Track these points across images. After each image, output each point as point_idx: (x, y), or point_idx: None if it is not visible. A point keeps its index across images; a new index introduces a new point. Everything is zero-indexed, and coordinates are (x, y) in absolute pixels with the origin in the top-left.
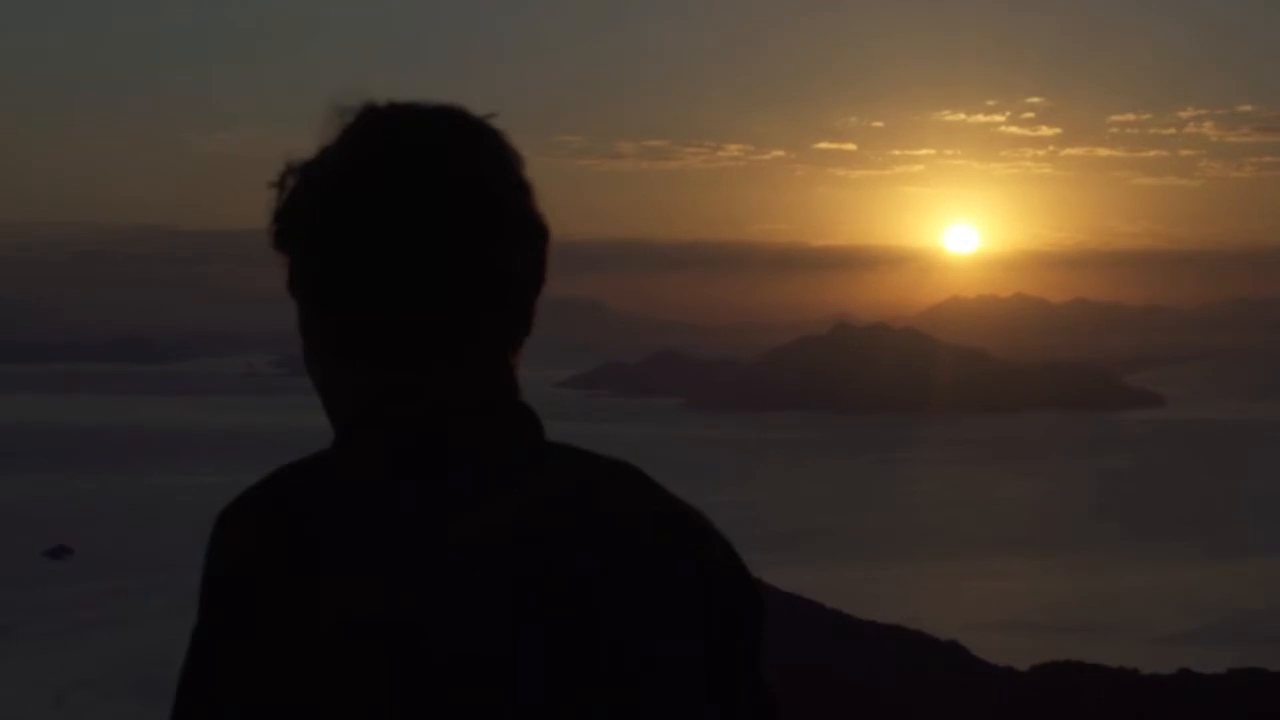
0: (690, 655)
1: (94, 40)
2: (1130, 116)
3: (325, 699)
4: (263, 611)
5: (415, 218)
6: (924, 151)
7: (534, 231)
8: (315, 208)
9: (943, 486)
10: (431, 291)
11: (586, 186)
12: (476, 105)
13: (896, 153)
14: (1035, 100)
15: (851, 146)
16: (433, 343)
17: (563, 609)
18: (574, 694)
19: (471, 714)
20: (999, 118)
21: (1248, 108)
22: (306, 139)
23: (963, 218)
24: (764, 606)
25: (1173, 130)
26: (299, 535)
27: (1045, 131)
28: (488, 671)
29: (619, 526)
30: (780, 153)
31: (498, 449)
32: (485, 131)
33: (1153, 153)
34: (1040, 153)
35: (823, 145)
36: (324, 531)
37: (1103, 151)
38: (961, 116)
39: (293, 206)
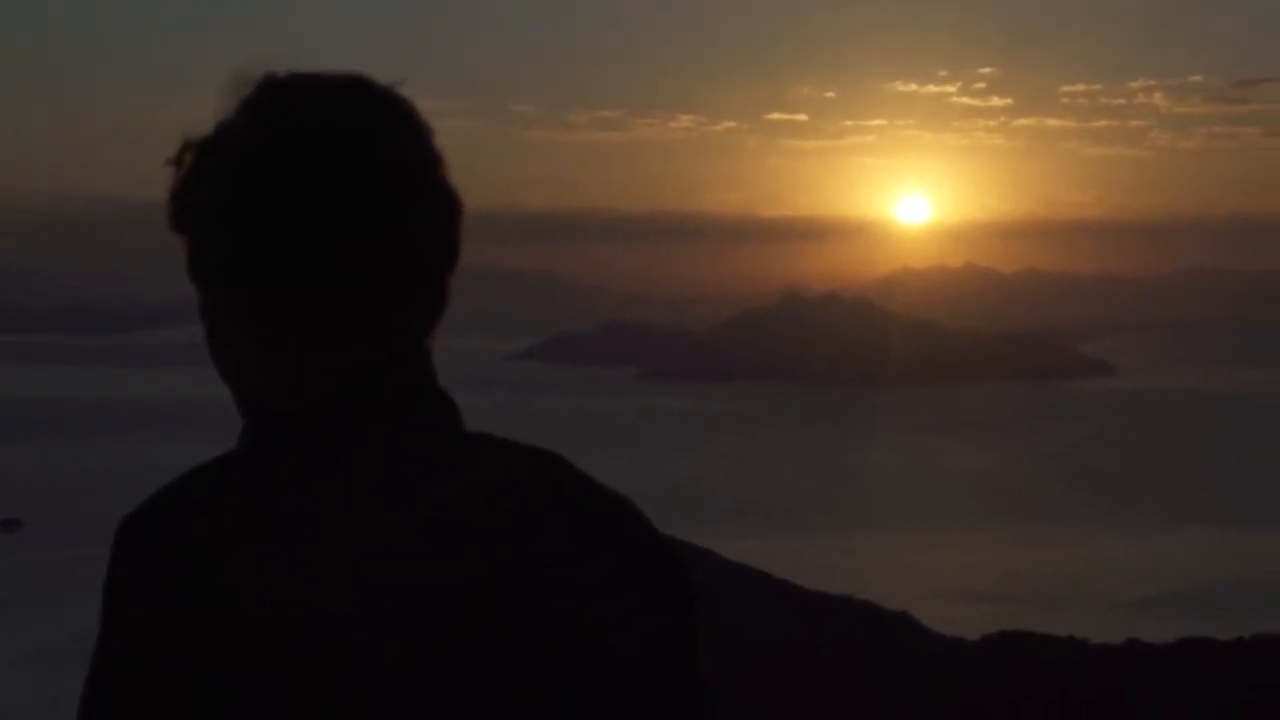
0: (651, 647)
1: (73, 12)
2: (1081, 87)
3: (262, 705)
4: (181, 622)
5: (324, 194)
6: (876, 122)
7: (447, 205)
8: (218, 186)
9: (894, 457)
10: (344, 271)
11: (539, 157)
12: (431, 75)
13: (848, 123)
14: (987, 71)
15: (803, 117)
16: (347, 325)
17: (509, 602)
18: (525, 688)
19: (415, 709)
20: (951, 88)
21: (1197, 78)
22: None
23: (914, 188)
24: (696, 599)
25: (1123, 101)
26: (215, 537)
27: (996, 102)
28: (431, 665)
29: (548, 512)
30: (732, 123)
31: (419, 438)
32: (393, 101)
33: (1103, 123)
34: (992, 123)
35: (775, 116)
36: (242, 531)
37: (1053, 122)
38: (913, 87)
39: (193, 185)
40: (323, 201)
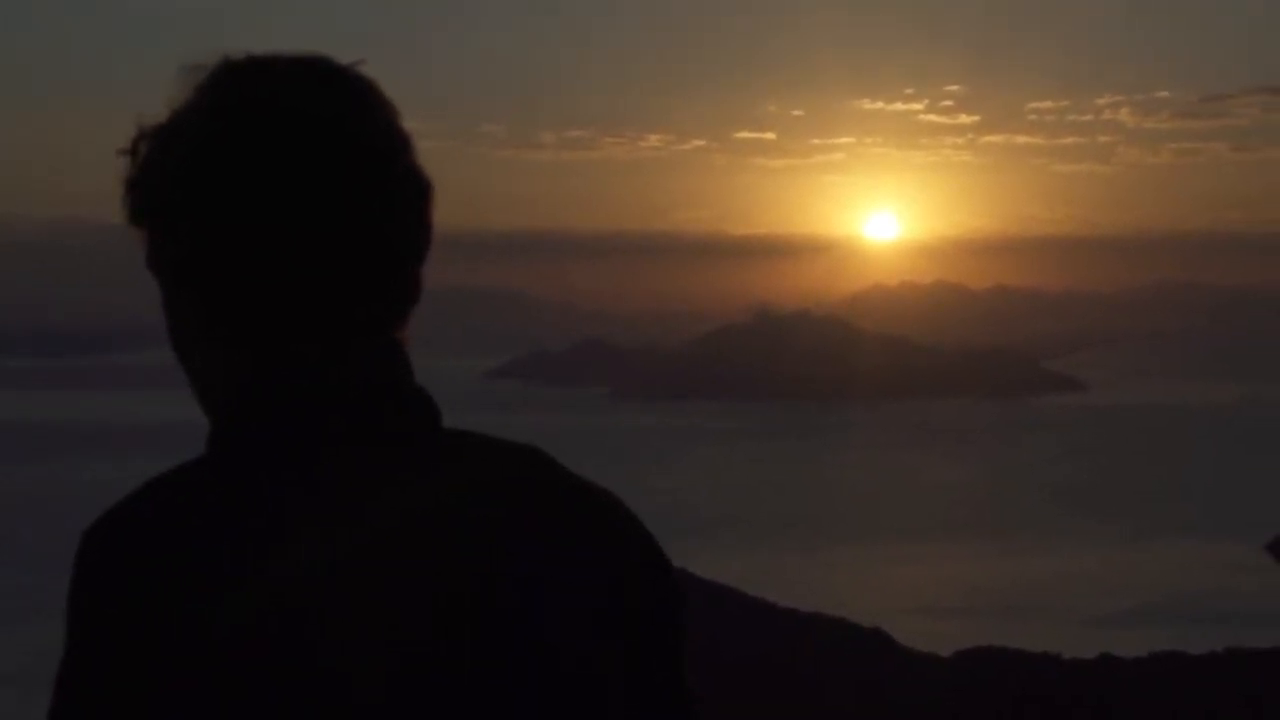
0: (605, 652)
1: (36, 28)
2: (1048, 103)
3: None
4: (144, 639)
5: (284, 180)
6: (844, 140)
7: (416, 188)
8: (175, 175)
9: (865, 473)
10: (308, 260)
11: (509, 177)
12: (399, 95)
13: (816, 141)
14: (954, 88)
15: (771, 135)
16: (313, 317)
17: (486, 618)
18: (485, 693)
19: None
20: (918, 105)
21: (1164, 94)
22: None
23: (883, 205)
24: (683, 601)
25: (1090, 117)
26: (178, 551)
27: (964, 119)
28: (402, 687)
29: (532, 517)
30: (701, 142)
31: (392, 440)
32: (355, 81)
33: (1071, 139)
34: (959, 140)
35: (743, 134)
36: (206, 544)
37: (1021, 139)
38: (881, 105)
39: (150, 175)
40: (283, 187)
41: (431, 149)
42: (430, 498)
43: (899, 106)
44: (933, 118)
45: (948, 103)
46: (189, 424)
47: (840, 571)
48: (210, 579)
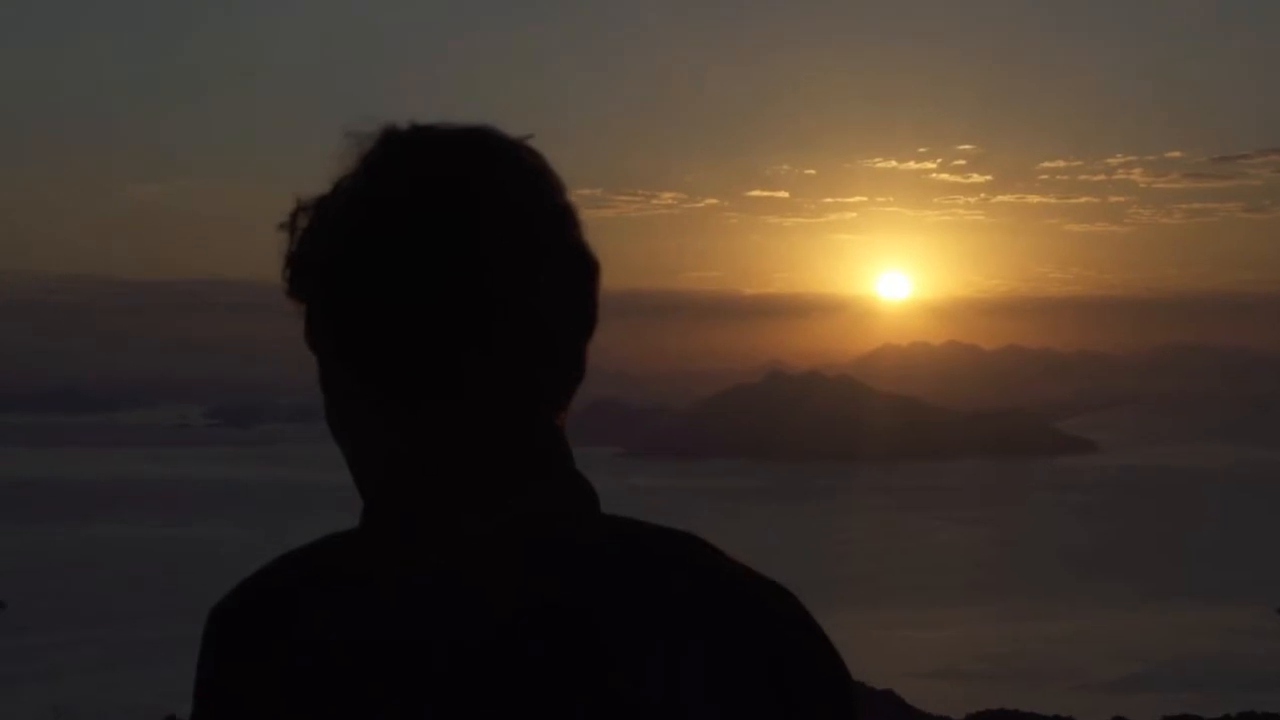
0: None
1: (32, 88)
2: (1060, 163)
3: None
4: (271, 706)
5: (442, 256)
6: (856, 199)
7: (578, 266)
8: (331, 249)
9: (876, 534)
10: (467, 339)
11: None
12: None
13: (829, 200)
14: (966, 147)
15: (784, 194)
16: (469, 398)
17: (611, 696)
18: None
19: None
20: (930, 165)
21: (1177, 154)
22: (247, 188)
23: (895, 265)
24: (852, 711)
25: (1103, 177)
26: (303, 628)
27: (976, 179)
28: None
29: (683, 607)
30: (713, 200)
31: (547, 525)
32: (518, 154)
33: (1083, 199)
34: (971, 200)
35: (755, 193)
36: (330, 621)
37: (1033, 198)
38: (893, 164)
39: (309, 249)
40: (440, 264)
41: None
42: (573, 585)
43: (911, 166)
44: (945, 177)
45: (960, 162)
46: (193, 482)
47: (851, 633)
48: (332, 654)
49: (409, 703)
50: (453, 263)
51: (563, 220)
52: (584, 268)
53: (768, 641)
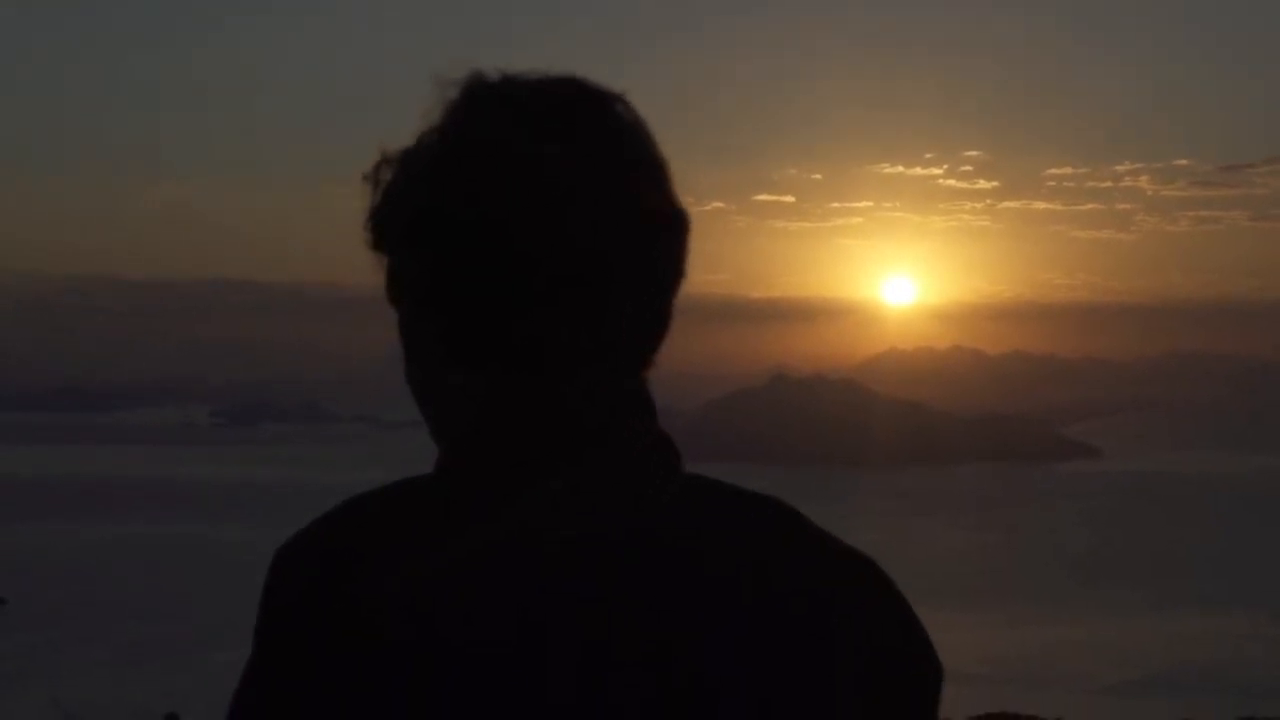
0: None
1: (41, 89)
2: (1067, 170)
3: None
4: (326, 656)
5: (523, 209)
6: (862, 204)
7: (666, 219)
8: (415, 202)
9: (879, 538)
10: (544, 291)
11: None
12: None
13: (835, 205)
14: (973, 153)
15: (790, 198)
16: (547, 350)
17: (635, 666)
18: None
19: None
20: (937, 170)
21: (1183, 162)
22: (253, 189)
23: (900, 270)
24: (940, 682)
25: (1109, 184)
26: (365, 570)
27: (983, 184)
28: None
29: (760, 583)
30: (720, 204)
31: (627, 481)
32: (606, 106)
33: (1089, 206)
34: (978, 205)
35: (762, 197)
36: (389, 565)
37: (1040, 205)
38: (900, 169)
39: (390, 202)
40: (521, 217)
41: None
42: (664, 539)
43: (918, 171)
44: (952, 182)
45: (967, 168)
46: (198, 482)
47: None
48: (390, 598)
49: (469, 672)
50: (540, 217)
51: (653, 175)
52: (674, 223)
53: (848, 624)
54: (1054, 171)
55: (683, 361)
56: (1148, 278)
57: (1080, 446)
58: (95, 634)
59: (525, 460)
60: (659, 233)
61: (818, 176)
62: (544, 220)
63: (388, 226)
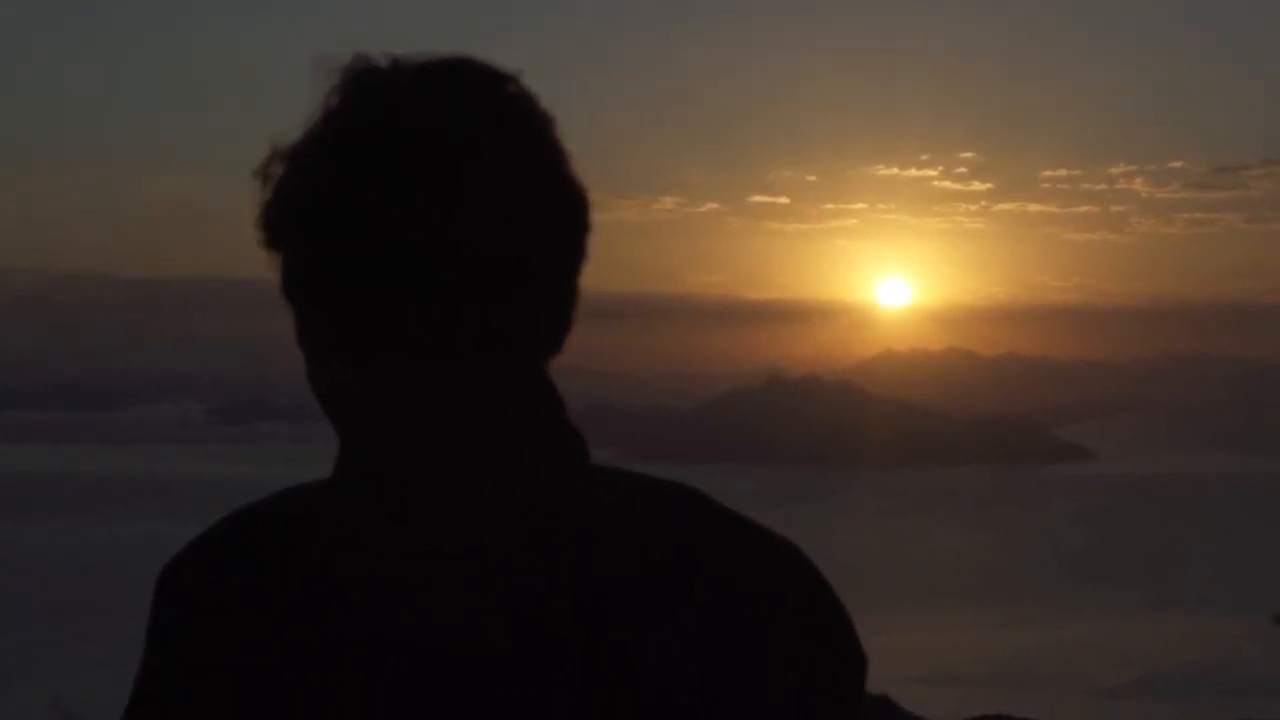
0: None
1: (41, 89)
2: (1062, 172)
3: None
4: (219, 668)
5: (416, 197)
6: (857, 205)
7: (567, 200)
8: (304, 195)
9: (873, 539)
10: (442, 279)
11: None
12: None
13: (830, 206)
14: (968, 155)
15: (785, 200)
16: (446, 342)
17: (572, 644)
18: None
19: None
20: (932, 172)
21: (1178, 164)
22: (251, 185)
23: (895, 271)
24: (863, 668)
25: (1104, 186)
26: (259, 583)
27: (978, 186)
28: (510, 699)
29: (696, 572)
30: (715, 205)
31: (517, 473)
32: (503, 88)
33: (1084, 208)
34: (973, 207)
35: (757, 198)
36: (289, 573)
37: (1034, 207)
38: (895, 171)
39: (280, 198)
40: (414, 205)
41: None
42: (525, 521)
43: (913, 173)
44: (947, 184)
45: (962, 170)
46: (195, 479)
47: None
48: (292, 608)
49: (373, 681)
50: (431, 202)
51: (545, 155)
52: (571, 203)
53: (770, 598)
54: (1049, 174)
55: (677, 362)
56: (1142, 280)
57: (1075, 448)
58: (95, 634)
59: (426, 455)
60: (560, 213)
61: (812, 178)
62: (437, 207)
63: (282, 221)
